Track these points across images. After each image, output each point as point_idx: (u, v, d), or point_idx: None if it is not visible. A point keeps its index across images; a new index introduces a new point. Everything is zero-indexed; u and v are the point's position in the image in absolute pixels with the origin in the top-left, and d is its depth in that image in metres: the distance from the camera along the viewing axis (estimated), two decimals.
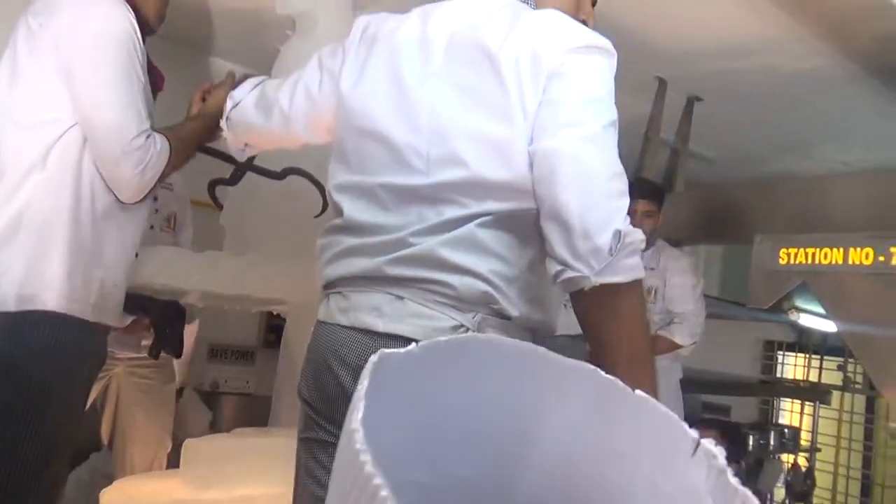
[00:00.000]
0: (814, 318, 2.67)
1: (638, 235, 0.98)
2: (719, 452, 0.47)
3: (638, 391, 0.55)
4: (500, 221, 1.04)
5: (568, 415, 0.54)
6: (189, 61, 2.69)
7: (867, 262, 2.21)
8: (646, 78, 3.11)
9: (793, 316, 2.58)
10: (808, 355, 4.87)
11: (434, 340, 0.53)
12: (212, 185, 1.80)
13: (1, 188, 1.32)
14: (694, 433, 0.49)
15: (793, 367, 5.02)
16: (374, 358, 0.51)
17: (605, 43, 1.04)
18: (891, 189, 2.38)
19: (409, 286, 1.03)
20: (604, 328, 1.01)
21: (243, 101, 1.40)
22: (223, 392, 3.07)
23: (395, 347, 0.97)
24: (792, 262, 2.38)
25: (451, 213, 1.03)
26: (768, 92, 3.05)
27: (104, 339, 1.47)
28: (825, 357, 4.74)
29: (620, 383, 0.54)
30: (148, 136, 1.38)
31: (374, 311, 1.05)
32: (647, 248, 2.71)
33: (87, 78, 1.34)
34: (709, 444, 0.47)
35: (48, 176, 1.33)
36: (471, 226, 1.03)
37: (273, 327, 3.21)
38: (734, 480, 0.45)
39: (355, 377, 1.03)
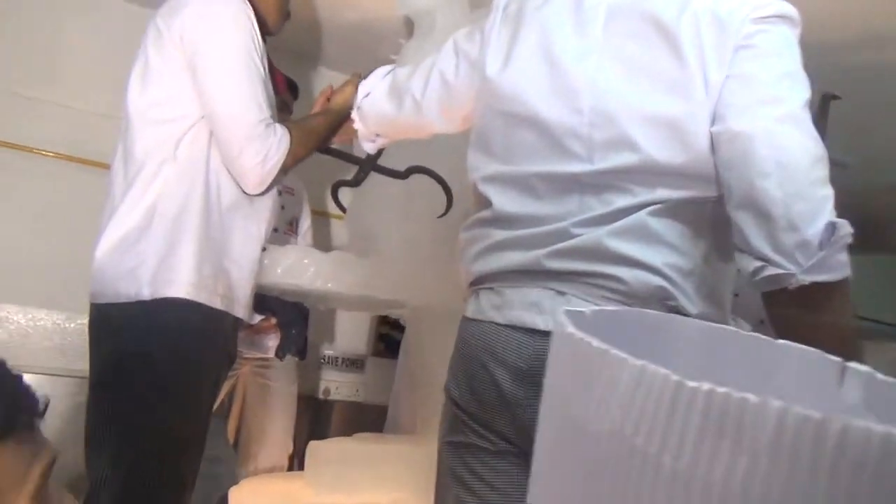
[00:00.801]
0: None
1: (848, 228, 0.85)
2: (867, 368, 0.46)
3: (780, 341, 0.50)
4: (674, 210, 0.93)
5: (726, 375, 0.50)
6: (298, 72, 2.73)
7: None
8: None
9: None
10: None
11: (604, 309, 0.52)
12: (335, 188, 1.79)
13: (137, 183, 1.35)
14: (835, 358, 0.48)
15: None
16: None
17: (793, 11, 0.92)
18: None
19: (571, 280, 0.95)
20: (809, 334, 0.88)
21: (375, 91, 1.37)
22: (334, 399, 3.09)
23: None
24: None
25: (619, 201, 0.93)
26: None
27: (233, 332, 1.48)
28: None
29: (761, 337, 0.50)
30: (268, 125, 1.38)
31: (532, 307, 0.97)
32: None
33: (208, 70, 1.36)
34: (856, 364, 0.47)
35: (179, 169, 1.36)
36: (641, 214, 0.93)
37: (382, 336, 3.23)
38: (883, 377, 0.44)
39: (515, 379, 0.96)
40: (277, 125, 1.42)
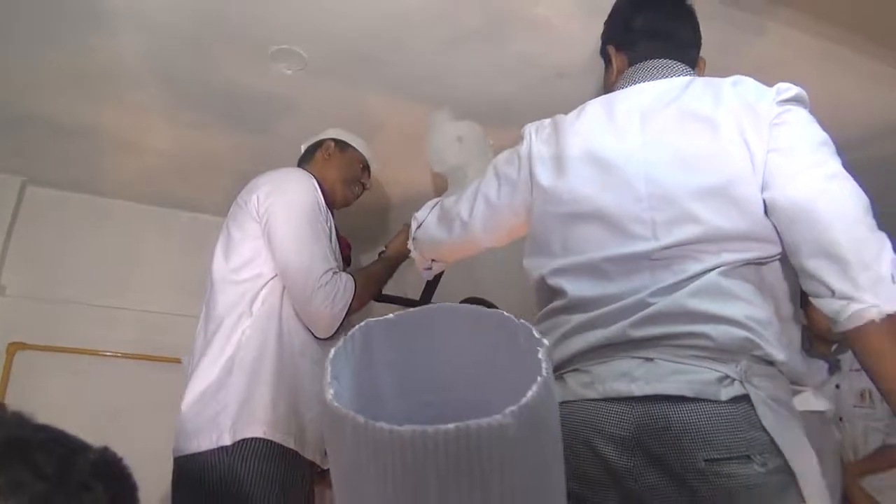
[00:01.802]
0: None
1: None
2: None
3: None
4: (740, 270, 1.03)
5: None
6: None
7: None
8: None
9: None
10: None
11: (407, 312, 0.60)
12: None
13: (218, 337, 1.49)
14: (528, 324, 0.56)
15: None
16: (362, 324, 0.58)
17: (805, 93, 1.11)
18: None
19: (657, 346, 1.01)
20: (893, 360, 0.96)
21: (426, 221, 1.52)
22: None
23: (657, 409, 0.96)
24: None
25: (689, 269, 1.04)
26: None
27: (308, 474, 1.52)
28: None
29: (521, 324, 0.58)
30: (334, 274, 1.55)
31: (624, 377, 1.02)
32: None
33: (281, 233, 1.55)
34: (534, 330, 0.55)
35: (255, 321, 1.50)
36: (712, 275, 1.02)
37: None
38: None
39: (619, 449, 1.00)
40: (343, 273, 1.60)
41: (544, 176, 1.21)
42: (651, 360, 1.00)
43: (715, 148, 1.06)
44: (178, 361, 2.78)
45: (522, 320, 0.57)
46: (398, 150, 2.45)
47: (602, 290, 1.08)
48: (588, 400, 1.04)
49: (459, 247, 1.47)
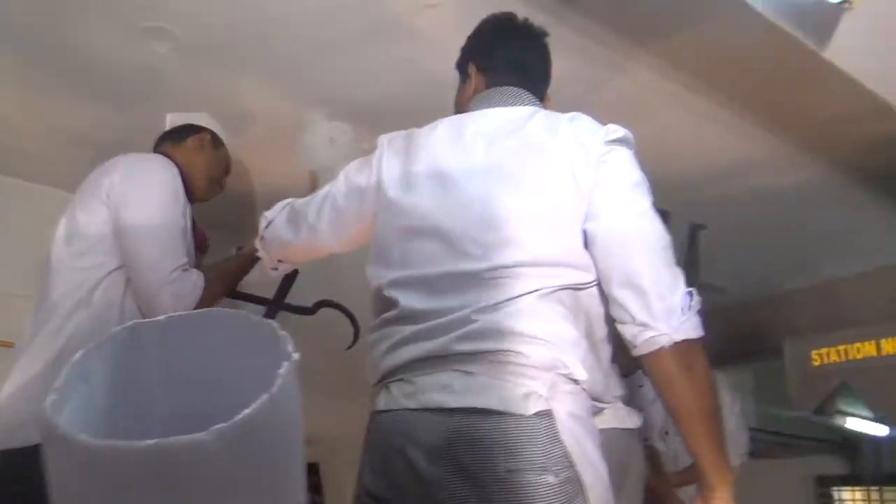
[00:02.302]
0: (862, 423, 2.57)
1: (698, 296, 1.11)
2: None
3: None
4: (556, 294, 1.11)
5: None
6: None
7: None
8: None
9: (839, 420, 2.49)
10: (866, 487, 4.55)
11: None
12: None
13: (49, 325, 1.40)
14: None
15: (851, 502, 4.68)
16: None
17: (630, 135, 1.21)
18: None
19: (477, 360, 1.07)
20: (682, 384, 1.08)
21: (275, 220, 1.51)
22: None
23: (469, 421, 1.02)
24: (826, 361, 2.35)
25: (511, 290, 1.10)
26: (765, 212, 3.15)
27: None
28: (884, 488, 4.44)
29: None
30: (184, 270, 1.49)
31: (444, 389, 1.07)
32: None
33: (132, 222, 1.48)
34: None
35: (92, 312, 1.42)
36: (531, 297, 1.09)
37: None
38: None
39: (429, 458, 1.06)
40: (193, 270, 1.54)
41: (391, 187, 1.25)
42: (471, 373, 1.06)
43: (546, 178, 1.15)
44: (11, 345, 2.58)
45: (284, 332, 0.58)
46: (267, 142, 2.42)
47: (432, 304, 1.13)
48: (408, 409, 1.09)
49: (305, 249, 1.48)
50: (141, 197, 1.51)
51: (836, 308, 2.55)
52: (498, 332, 1.07)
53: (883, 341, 2.22)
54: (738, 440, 2.67)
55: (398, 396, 1.11)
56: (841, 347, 2.31)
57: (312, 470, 2.73)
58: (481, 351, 1.06)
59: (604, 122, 1.21)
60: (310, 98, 2.16)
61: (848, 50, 1.57)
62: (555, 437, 1.01)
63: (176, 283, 1.46)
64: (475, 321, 1.08)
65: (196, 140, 1.83)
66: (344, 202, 1.35)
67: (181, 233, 1.54)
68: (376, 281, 1.23)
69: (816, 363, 2.36)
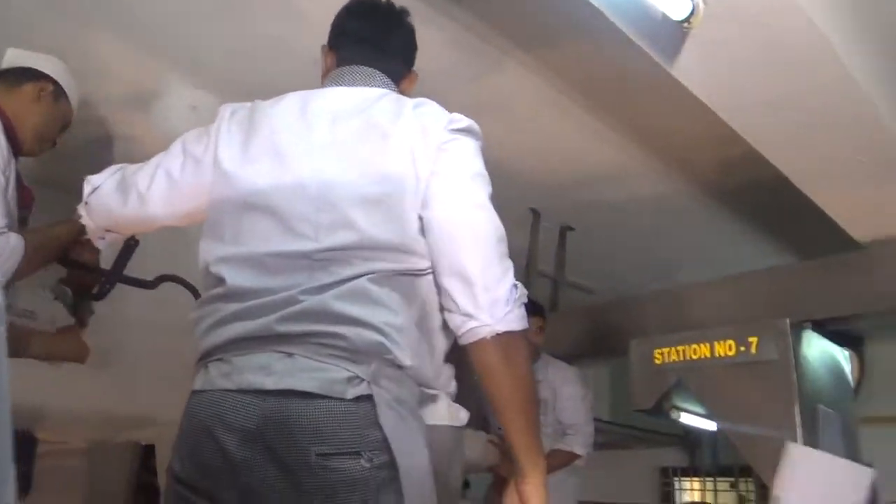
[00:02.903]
0: (693, 418, 2.78)
1: (524, 290, 1.12)
2: None
3: None
4: (389, 278, 1.10)
5: None
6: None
7: (731, 354, 2.38)
8: (520, 209, 3.32)
9: (674, 415, 2.67)
10: (702, 478, 4.94)
11: None
12: (77, 301, 1.67)
13: None
14: None
15: (689, 491, 5.06)
16: None
17: (476, 126, 1.20)
18: (741, 290, 2.62)
19: (299, 342, 1.04)
20: (502, 374, 1.09)
21: (102, 186, 1.40)
22: None
23: (284, 404, 0.99)
24: (666, 360, 2.52)
25: (343, 272, 1.07)
26: (628, 219, 3.34)
27: None
28: (718, 478, 4.83)
29: None
30: (2, 234, 1.37)
31: (262, 370, 1.03)
32: (534, 362, 2.78)
33: None
34: None
35: None
36: (362, 280, 1.07)
37: (144, 487, 2.95)
38: None
39: (242, 441, 1.01)
40: (12, 234, 1.40)
41: (228, 160, 1.20)
42: (291, 355, 1.03)
43: (384, 162, 1.13)
44: None
45: None
46: (120, 99, 2.25)
47: (259, 283, 1.09)
48: (223, 390, 1.04)
49: (133, 220, 1.38)
50: None
51: (680, 312, 2.74)
52: (323, 314, 1.04)
53: (716, 343, 2.39)
54: (585, 432, 2.82)
55: (215, 377, 1.07)
56: (680, 348, 2.48)
57: (149, 452, 2.61)
58: (304, 333, 1.03)
59: (479, 118, 1.20)
60: (176, 64, 2.05)
61: (693, 71, 1.67)
62: (373, 422, 1.00)
63: None
64: (300, 301, 1.05)
65: (35, 88, 1.65)
66: (179, 173, 1.27)
67: (3, 192, 1.41)
68: (205, 256, 1.17)
69: (658, 362, 2.52)
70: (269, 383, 1.01)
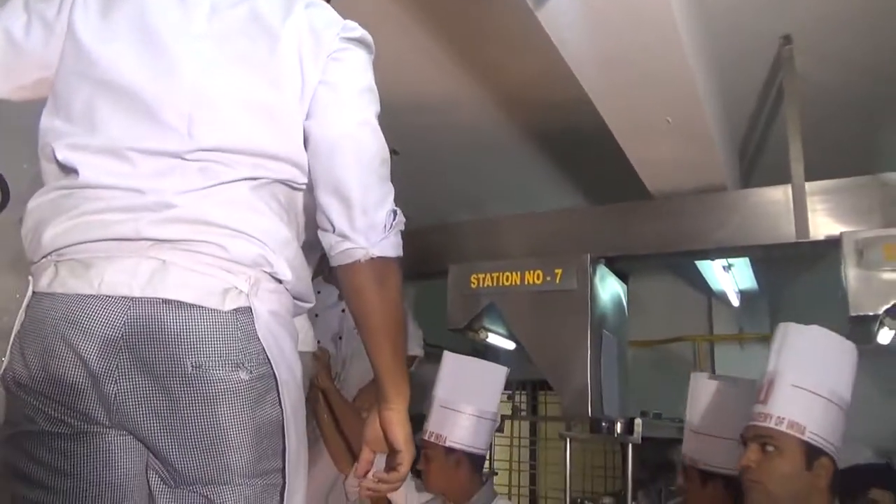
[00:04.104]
0: (498, 338, 3.05)
1: (402, 217, 1.10)
2: None
3: None
4: (269, 188, 1.04)
5: None
6: None
7: (538, 282, 2.64)
8: None
9: (482, 335, 2.92)
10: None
11: None
12: None
13: None
14: None
15: None
16: None
17: (370, 39, 1.14)
18: (550, 226, 2.88)
19: (171, 248, 0.96)
20: (373, 299, 1.09)
21: None
22: None
23: (155, 312, 0.94)
24: (481, 285, 2.72)
25: (220, 176, 1.00)
26: (450, 149, 3.47)
27: None
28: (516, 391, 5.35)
29: None
30: None
31: (127, 275, 0.95)
32: None
33: None
34: None
35: None
36: (242, 187, 1.01)
37: None
38: None
39: (103, 350, 0.93)
40: None
41: (84, 28, 1.04)
42: (162, 261, 0.96)
43: (270, 62, 1.05)
44: None
45: None
46: None
47: (122, 181, 0.98)
48: (79, 295, 0.95)
49: None
50: None
51: (493, 241, 2.95)
52: (201, 221, 0.97)
53: (526, 273, 2.63)
54: (417, 335, 2.96)
55: (67, 278, 0.96)
56: (494, 274, 2.68)
57: None
58: (179, 239, 0.96)
59: None
60: None
61: (557, 17, 1.77)
62: (252, 335, 0.97)
63: None
64: (175, 206, 0.97)
65: None
66: (23, 36, 1.06)
67: None
68: (49, 138, 1.02)
69: (474, 286, 2.70)
70: (137, 290, 0.94)
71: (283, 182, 1.06)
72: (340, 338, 2.75)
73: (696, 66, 2.07)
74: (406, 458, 1.18)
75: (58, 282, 0.97)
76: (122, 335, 0.93)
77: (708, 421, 2.08)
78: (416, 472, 2.42)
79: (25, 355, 0.96)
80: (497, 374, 2.39)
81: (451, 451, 2.24)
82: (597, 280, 2.67)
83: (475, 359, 2.44)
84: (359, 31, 1.12)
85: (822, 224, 2.37)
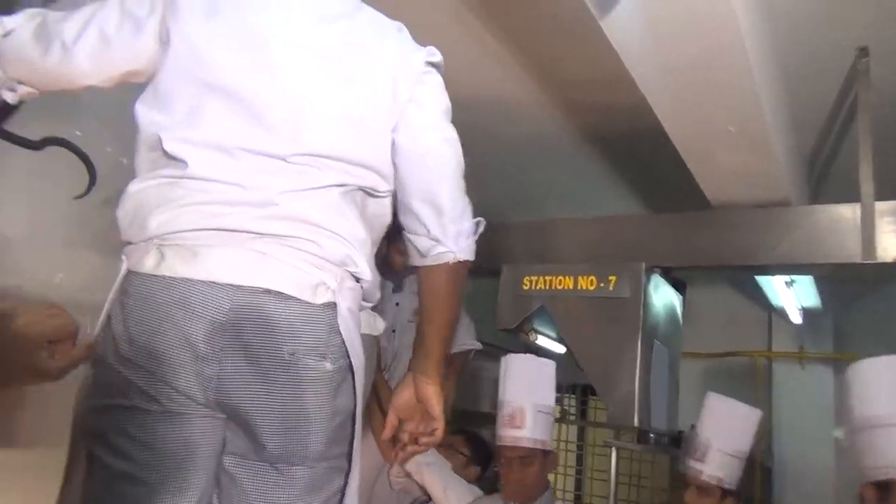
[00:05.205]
0: (547, 341, 3.05)
1: (483, 225, 1.26)
2: None
3: None
4: (353, 193, 1.15)
5: None
6: None
7: (591, 288, 2.63)
8: None
9: (532, 336, 2.92)
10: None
11: None
12: None
13: None
14: None
15: None
16: None
17: (442, 62, 1.26)
18: (605, 232, 2.86)
19: (274, 242, 1.06)
20: (450, 296, 1.23)
21: (17, 31, 1.20)
22: None
23: (258, 300, 1.03)
24: (533, 287, 2.73)
25: (316, 179, 1.10)
26: (507, 150, 3.47)
27: None
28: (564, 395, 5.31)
29: None
30: None
31: (234, 264, 1.04)
32: (407, 276, 2.87)
33: None
34: None
35: None
36: (334, 192, 1.11)
37: None
38: None
39: (210, 332, 1.02)
40: None
41: (190, 31, 1.10)
42: (262, 254, 1.05)
43: (367, 79, 1.16)
44: None
45: None
46: None
47: (228, 176, 1.07)
48: (188, 279, 1.03)
49: (53, 75, 1.20)
50: None
51: (547, 244, 2.95)
52: (299, 219, 1.07)
53: (580, 277, 2.62)
54: (472, 328, 2.98)
55: (175, 263, 1.04)
56: (547, 277, 2.69)
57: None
58: (279, 234, 1.06)
59: None
60: None
61: (620, 25, 1.76)
62: (335, 328, 1.07)
63: None
64: (277, 204, 1.06)
65: None
66: (115, 31, 1.13)
67: None
68: (154, 129, 1.10)
69: (526, 287, 2.71)
70: (241, 278, 1.03)
71: (364, 189, 1.16)
72: (393, 331, 2.80)
73: (762, 75, 2.03)
74: (440, 426, 1.29)
75: (165, 265, 1.04)
76: (229, 319, 1.02)
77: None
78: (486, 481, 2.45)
79: (130, 332, 1.03)
80: (549, 367, 2.38)
81: (528, 449, 2.24)
82: (651, 289, 2.64)
83: (530, 355, 2.43)
84: (438, 56, 1.23)
85: (892, 245, 2.28)
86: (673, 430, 2.84)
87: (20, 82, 1.23)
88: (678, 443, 2.55)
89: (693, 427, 2.31)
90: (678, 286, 3.02)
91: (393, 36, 1.20)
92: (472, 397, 4.15)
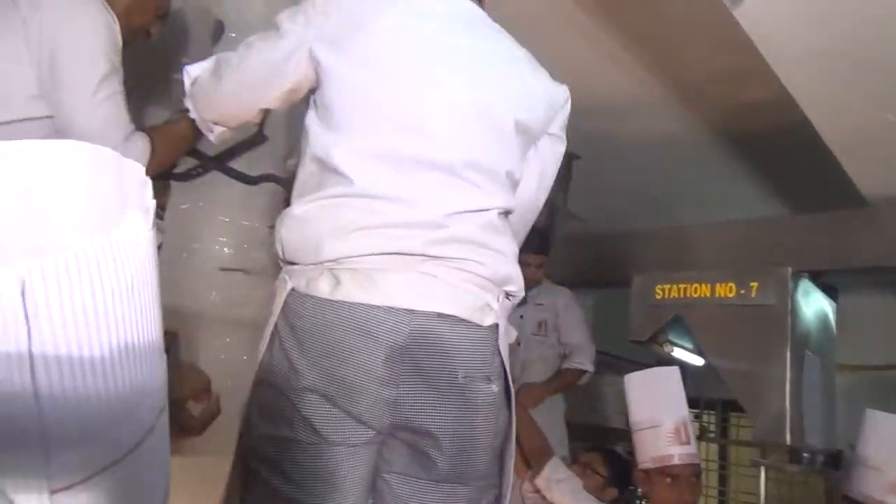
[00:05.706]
0: (683, 352, 2.89)
1: None
2: None
3: None
4: (503, 215, 1.16)
5: None
6: None
7: (730, 295, 2.46)
8: None
9: (666, 348, 2.78)
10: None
11: None
12: (163, 179, 1.56)
13: None
14: None
15: None
16: None
17: None
18: (745, 236, 2.67)
19: (443, 265, 1.06)
20: None
21: (202, 75, 1.27)
22: None
23: (433, 324, 1.03)
24: (667, 296, 2.60)
25: (482, 200, 1.11)
26: (635, 153, 3.34)
27: None
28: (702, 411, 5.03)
29: None
30: (126, 141, 1.31)
31: (408, 289, 1.04)
32: (533, 288, 2.82)
33: (67, 79, 1.28)
34: None
35: None
36: (493, 213, 1.12)
37: None
38: None
39: (389, 356, 1.02)
40: (137, 136, 1.34)
41: (346, 43, 1.09)
42: (433, 276, 1.05)
43: (530, 102, 1.17)
44: None
45: None
46: None
47: (393, 189, 1.05)
48: (366, 304, 1.02)
49: (230, 104, 1.25)
50: (76, 50, 1.28)
51: (681, 251, 2.80)
52: (468, 241, 1.07)
53: (718, 285, 2.46)
54: (589, 350, 2.88)
55: (351, 288, 1.02)
56: (682, 285, 2.55)
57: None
58: (449, 257, 1.05)
59: None
60: None
61: (757, 11, 1.64)
62: (496, 350, 1.08)
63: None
64: (446, 226, 1.06)
65: None
66: (271, 52, 1.14)
67: (122, 91, 1.33)
68: (326, 144, 1.08)
69: (659, 297, 2.59)
70: (417, 304, 1.03)
71: (507, 210, 1.16)
72: (518, 343, 2.76)
73: None
74: None
75: (341, 291, 1.02)
76: (406, 344, 1.02)
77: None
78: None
79: (308, 357, 1.02)
80: (676, 375, 2.22)
81: (698, 466, 2.09)
82: (799, 295, 2.44)
83: (652, 369, 2.29)
84: (568, 91, 1.25)
85: None
86: (830, 448, 2.59)
87: (215, 122, 1.29)
88: (837, 462, 2.32)
89: (853, 447, 2.10)
90: (830, 292, 2.77)
91: (543, 73, 1.22)
92: (600, 413, 4.03)
